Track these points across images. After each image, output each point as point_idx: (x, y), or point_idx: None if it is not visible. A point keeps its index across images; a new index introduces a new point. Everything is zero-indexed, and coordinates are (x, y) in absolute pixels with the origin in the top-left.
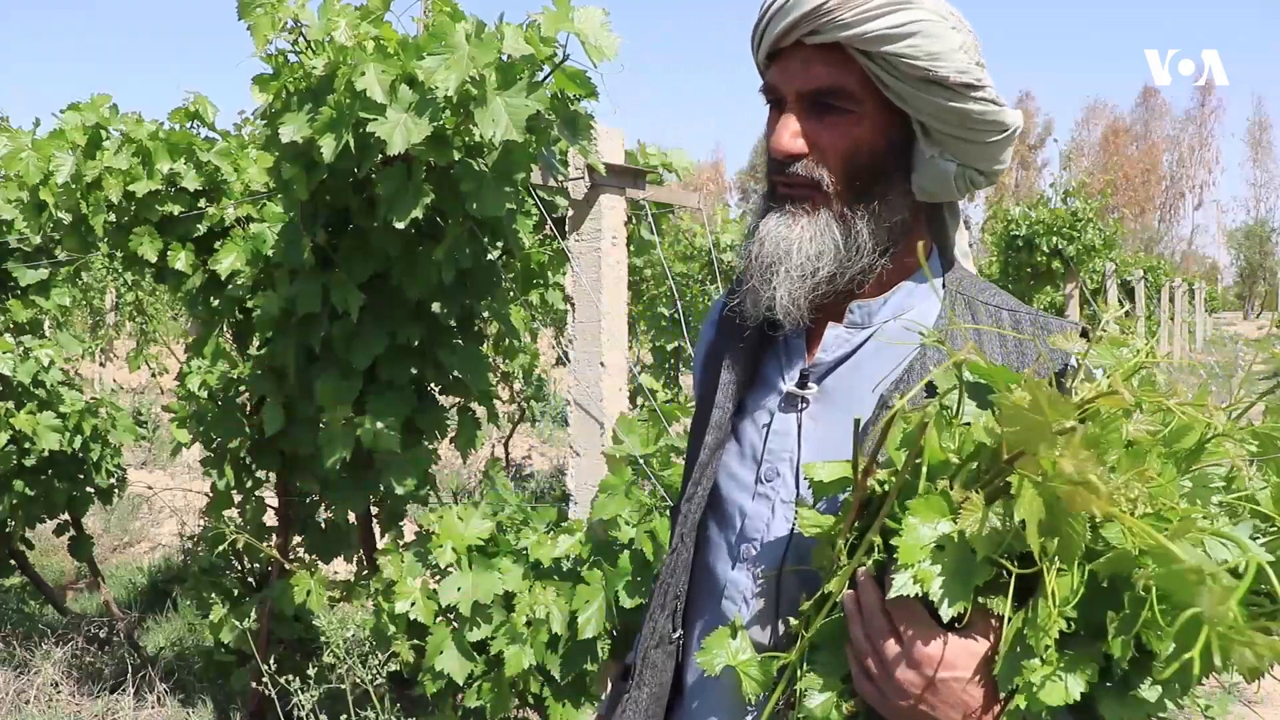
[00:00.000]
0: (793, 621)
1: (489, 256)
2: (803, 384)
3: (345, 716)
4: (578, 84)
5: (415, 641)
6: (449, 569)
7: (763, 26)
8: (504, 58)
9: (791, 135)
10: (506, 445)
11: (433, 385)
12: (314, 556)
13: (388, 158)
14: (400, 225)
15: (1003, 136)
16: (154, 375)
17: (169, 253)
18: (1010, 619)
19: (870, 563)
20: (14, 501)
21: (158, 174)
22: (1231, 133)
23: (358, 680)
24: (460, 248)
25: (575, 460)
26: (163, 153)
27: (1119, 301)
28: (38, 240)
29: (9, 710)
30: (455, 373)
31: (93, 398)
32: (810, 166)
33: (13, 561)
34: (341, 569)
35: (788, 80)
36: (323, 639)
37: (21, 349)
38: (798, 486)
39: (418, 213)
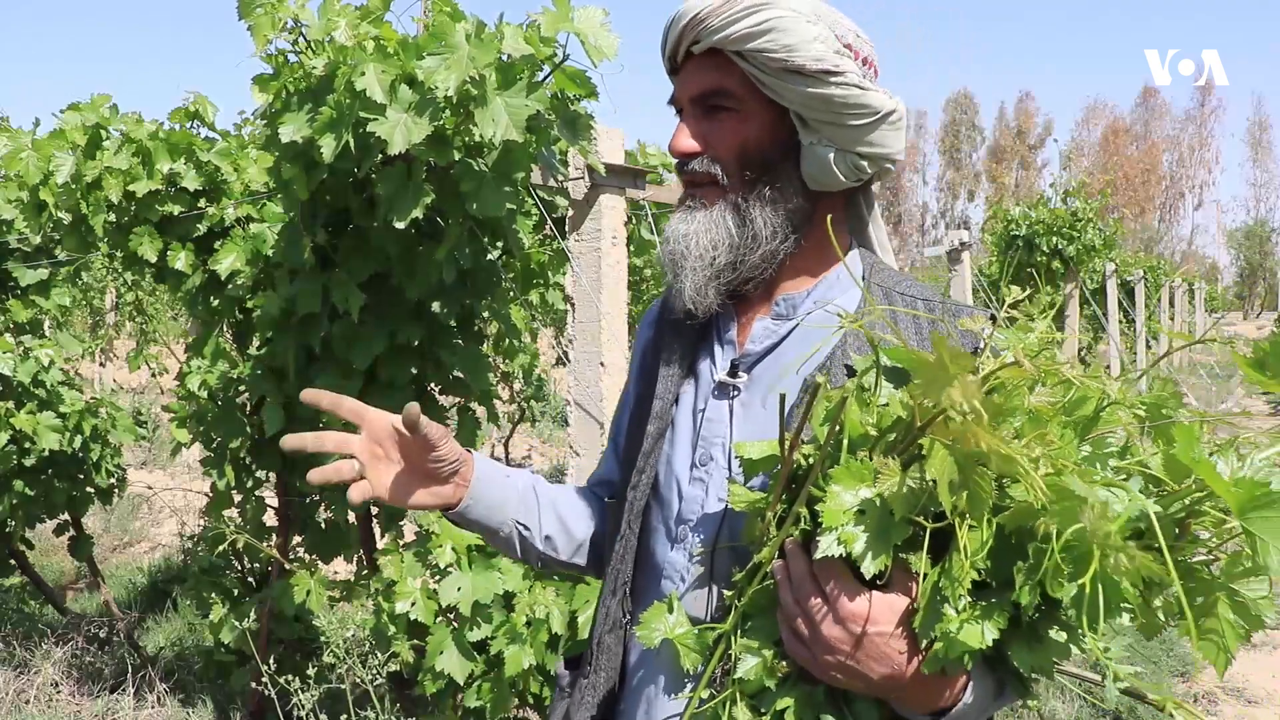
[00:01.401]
0: (726, 593)
1: (489, 256)
2: (733, 373)
3: (345, 716)
4: (578, 84)
5: (415, 641)
6: (449, 569)
7: (663, 46)
8: (504, 58)
9: (686, 136)
10: (507, 445)
11: (433, 385)
12: (314, 556)
13: (388, 157)
14: (400, 225)
15: (873, 119)
16: (154, 375)
17: (169, 253)
18: (927, 574)
19: (797, 532)
20: (14, 501)
21: (158, 174)
22: (1231, 133)
23: (358, 680)
24: (460, 248)
25: (575, 460)
26: (163, 153)
27: (1119, 301)
28: (38, 240)
29: (9, 710)
30: (455, 372)
31: (93, 398)
32: (705, 162)
33: (13, 561)
34: (341, 569)
35: (682, 88)
36: (323, 639)
37: (21, 349)
38: (730, 467)
39: (418, 213)
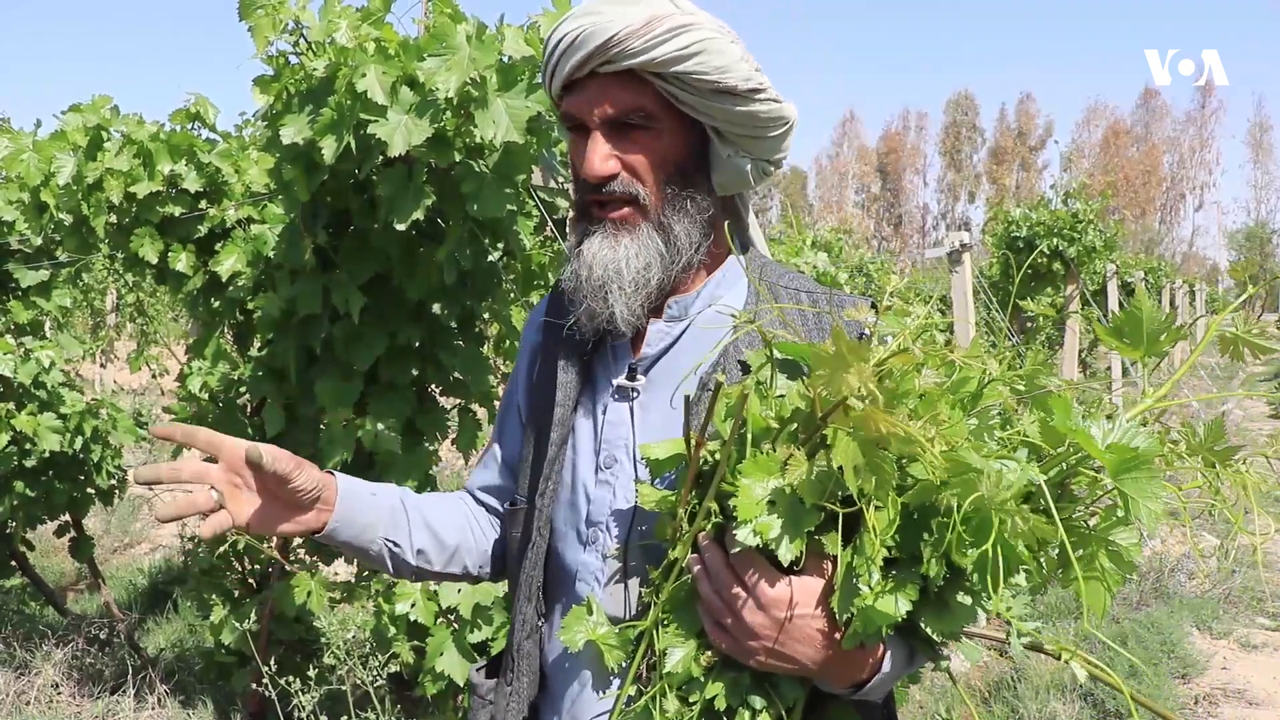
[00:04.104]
0: (644, 591)
1: (490, 258)
2: (631, 377)
3: (346, 718)
4: None
5: (416, 643)
6: None
7: (555, 62)
8: (504, 59)
9: (603, 158)
10: None
11: (433, 386)
12: (314, 557)
13: (388, 159)
14: (401, 226)
15: (786, 129)
16: (155, 376)
17: (170, 254)
18: (840, 555)
19: (710, 526)
20: (15, 502)
21: (159, 175)
22: (1232, 134)
23: (358, 681)
24: (461, 249)
25: None
26: (164, 154)
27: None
28: (39, 241)
29: (10, 711)
30: (456, 374)
31: (93, 399)
32: (626, 183)
33: (13, 563)
34: (342, 570)
35: (589, 108)
36: (323, 640)
37: (22, 350)
38: (635, 468)
39: (418, 214)
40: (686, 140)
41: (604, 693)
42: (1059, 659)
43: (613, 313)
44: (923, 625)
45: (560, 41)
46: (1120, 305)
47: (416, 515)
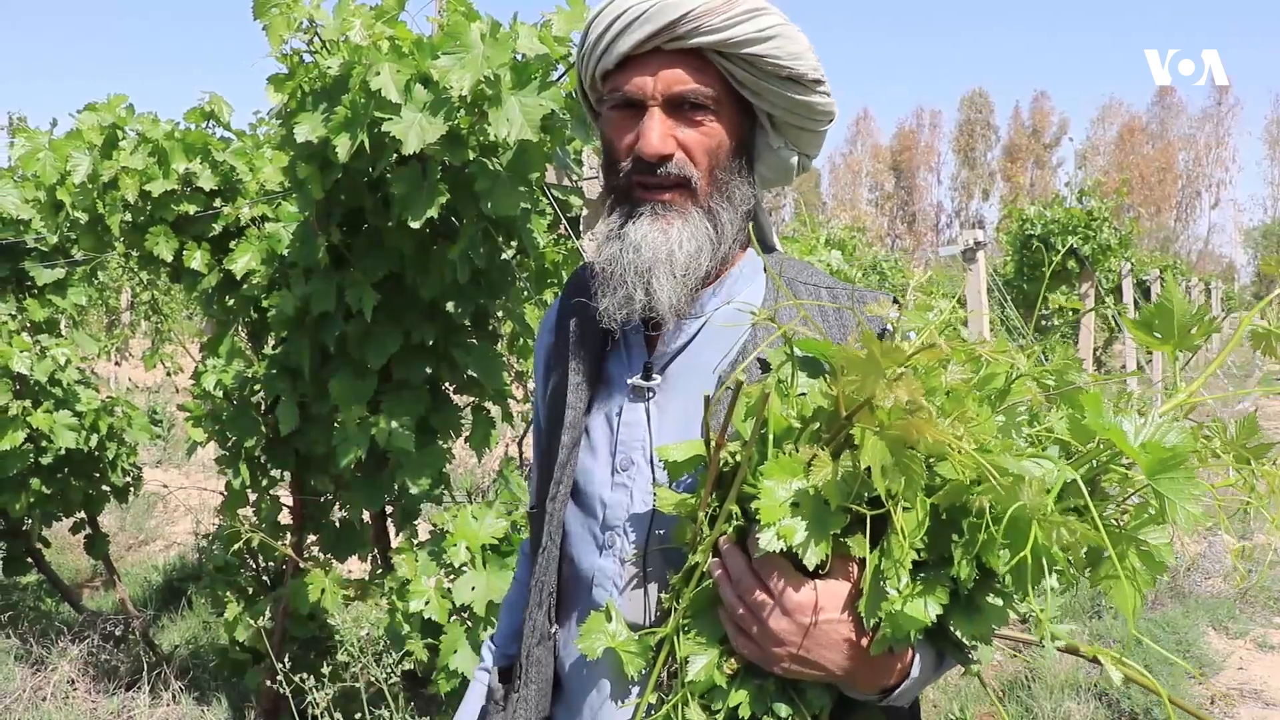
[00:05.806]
0: (663, 597)
1: (503, 256)
2: (647, 376)
3: (359, 715)
4: None
5: (429, 640)
6: (463, 568)
7: (613, 35)
8: (518, 57)
9: (662, 137)
10: (520, 444)
11: (447, 384)
12: (328, 555)
13: (402, 157)
14: (415, 224)
15: (830, 124)
16: (169, 374)
17: (184, 252)
18: (868, 558)
19: (731, 530)
20: (31, 500)
21: (174, 174)
22: (1249, 130)
23: (372, 679)
24: (475, 247)
25: None
26: (179, 152)
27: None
28: (55, 240)
29: (26, 707)
30: (469, 372)
31: (108, 396)
32: (680, 165)
33: (30, 559)
34: (356, 568)
35: (651, 84)
36: (337, 637)
37: (38, 348)
38: (653, 471)
39: (432, 212)
40: (740, 127)
41: (624, 701)
42: (1093, 661)
43: (653, 300)
44: (952, 628)
45: (622, 14)
46: (1135, 303)
47: (500, 658)
